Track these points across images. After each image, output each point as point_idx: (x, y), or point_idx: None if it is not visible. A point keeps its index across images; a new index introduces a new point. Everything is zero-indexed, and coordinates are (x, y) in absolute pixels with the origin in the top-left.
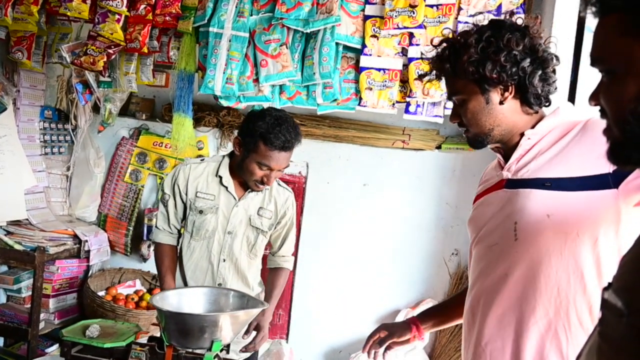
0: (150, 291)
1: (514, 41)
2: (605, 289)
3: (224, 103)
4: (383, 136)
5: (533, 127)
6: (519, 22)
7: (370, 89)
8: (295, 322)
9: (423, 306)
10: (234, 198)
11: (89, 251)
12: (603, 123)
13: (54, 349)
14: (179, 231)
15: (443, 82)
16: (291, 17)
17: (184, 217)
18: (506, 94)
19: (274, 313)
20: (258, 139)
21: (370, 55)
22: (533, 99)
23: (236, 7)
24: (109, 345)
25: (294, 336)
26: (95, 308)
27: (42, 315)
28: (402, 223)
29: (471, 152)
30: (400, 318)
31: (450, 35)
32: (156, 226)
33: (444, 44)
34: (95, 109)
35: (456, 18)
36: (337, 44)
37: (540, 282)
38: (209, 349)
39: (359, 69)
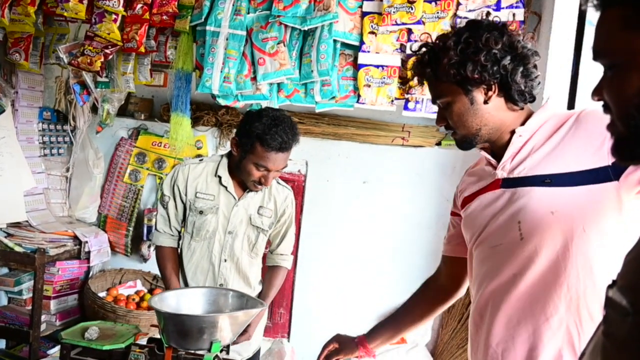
0: (151, 291)
1: (493, 40)
2: (609, 287)
3: (222, 102)
4: (382, 133)
5: (523, 123)
6: (511, 18)
7: (369, 86)
8: (296, 321)
9: None
10: (234, 198)
11: (89, 252)
12: (596, 114)
13: (55, 350)
14: (179, 233)
15: (426, 86)
16: (288, 14)
17: (184, 219)
18: (490, 92)
19: (274, 312)
20: (255, 140)
21: (369, 52)
22: (517, 95)
23: (233, 5)
24: (108, 347)
25: (295, 335)
26: (96, 309)
27: (43, 317)
28: (402, 220)
29: None
30: None
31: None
32: (156, 229)
33: (423, 49)
34: (94, 109)
35: (455, 13)
36: (334, 41)
37: (549, 279)
38: (209, 350)
39: (357, 66)
